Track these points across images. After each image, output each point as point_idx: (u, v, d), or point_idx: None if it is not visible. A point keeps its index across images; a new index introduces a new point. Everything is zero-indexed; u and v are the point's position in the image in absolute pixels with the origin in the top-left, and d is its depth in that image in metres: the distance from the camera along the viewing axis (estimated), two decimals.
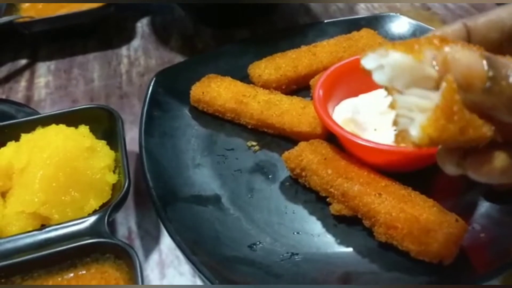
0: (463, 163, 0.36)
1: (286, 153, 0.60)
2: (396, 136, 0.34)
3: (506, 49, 0.37)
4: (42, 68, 0.88)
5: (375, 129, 0.57)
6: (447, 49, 0.32)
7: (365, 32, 0.77)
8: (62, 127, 0.59)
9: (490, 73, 0.31)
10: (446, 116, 0.31)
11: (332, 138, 0.61)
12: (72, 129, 0.59)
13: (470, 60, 0.32)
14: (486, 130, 0.33)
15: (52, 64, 0.89)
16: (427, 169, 0.57)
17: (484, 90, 0.31)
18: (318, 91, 0.61)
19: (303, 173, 0.58)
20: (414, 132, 0.32)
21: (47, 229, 0.49)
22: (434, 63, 0.32)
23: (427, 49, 0.32)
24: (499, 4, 0.40)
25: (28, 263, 0.47)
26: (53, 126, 0.59)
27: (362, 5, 0.97)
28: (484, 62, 0.32)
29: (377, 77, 0.34)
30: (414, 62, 0.32)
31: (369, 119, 0.59)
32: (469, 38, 0.38)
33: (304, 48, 0.75)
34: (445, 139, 0.31)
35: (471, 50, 0.32)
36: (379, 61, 0.34)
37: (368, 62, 0.35)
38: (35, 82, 0.85)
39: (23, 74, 0.87)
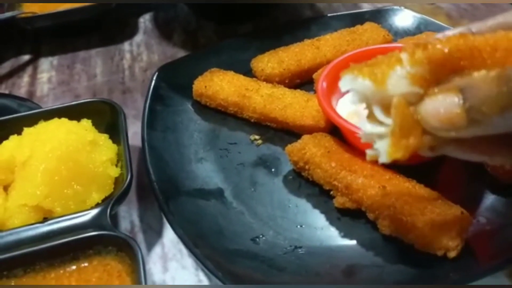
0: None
1: (289, 146, 0.59)
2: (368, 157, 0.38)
3: None
4: (45, 63, 0.88)
5: None
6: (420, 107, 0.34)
7: (368, 26, 0.76)
8: (64, 120, 0.59)
9: (467, 105, 0.32)
10: (403, 135, 0.34)
11: (336, 131, 0.61)
12: (74, 122, 0.59)
13: (442, 104, 0.33)
14: None
15: (54, 60, 0.88)
16: (431, 162, 0.57)
17: (469, 123, 0.32)
18: (321, 84, 0.60)
19: (307, 166, 0.57)
20: (384, 160, 0.36)
21: (49, 221, 0.49)
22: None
23: (390, 77, 0.34)
24: None
25: (30, 256, 0.46)
26: (55, 119, 0.59)
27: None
28: (457, 98, 0.32)
29: (351, 99, 0.38)
30: (377, 90, 0.35)
31: None
32: None
33: (307, 41, 0.75)
34: (412, 151, 0.35)
35: (442, 94, 0.33)
36: (351, 85, 0.37)
37: (343, 84, 0.38)
38: (37, 78, 0.85)
39: (25, 69, 0.87)
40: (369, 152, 0.38)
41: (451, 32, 0.40)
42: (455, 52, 0.33)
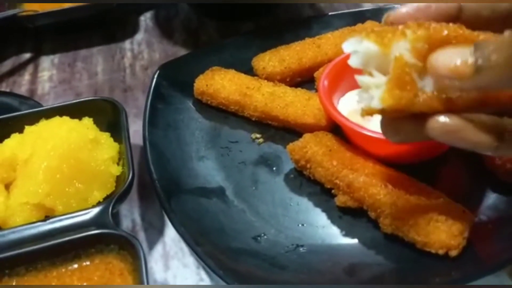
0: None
1: (290, 145, 0.59)
2: (362, 111, 0.39)
3: (498, 27, 0.38)
4: (46, 61, 0.88)
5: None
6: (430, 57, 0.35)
7: (370, 24, 0.76)
8: (65, 119, 0.59)
9: (478, 53, 0.32)
10: (398, 86, 0.35)
11: (337, 130, 0.61)
12: (75, 121, 0.59)
13: (454, 52, 0.34)
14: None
15: (55, 58, 0.88)
16: (433, 160, 0.57)
17: (476, 70, 0.32)
18: (323, 82, 0.60)
19: (308, 165, 0.57)
20: (376, 104, 0.37)
21: (51, 220, 0.49)
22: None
23: (396, 43, 0.36)
24: None
25: (33, 254, 0.46)
26: (57, 118, 0.59)
27: None
28: (469, 49, 0.33)
29: (352, 61, 0.39)
30: (382, 53, 0.37)
31: None
32: (460, 13, 0.40)
33: (308, 40, 0.75)
34: (403, 106, 0.36)
35: (455, 46, 0.35)
36: (355, 47, 0.38)
37: (347, 46, 0.39)
38: (38, 76, 0.85)
39: (26, 67, 0.87)
40: (363, 105, 0.39)
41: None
42: (452, 38, 0.36)
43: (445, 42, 0.36)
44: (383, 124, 0.40)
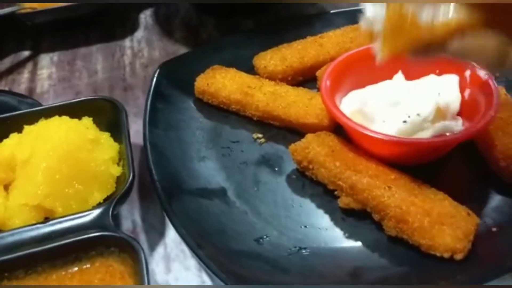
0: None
1: (292, 145, 0.59)
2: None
3: None
4: (45, 59, 0.87)
5: (383, 121, 0.56)
6: None
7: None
8: (65, 118, 0.59)
9: None
10: (392, 32, 0.39)
11: (340, 130, 0.60)
12: (75, 120, 0.59)
13: None
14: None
15: (55, 56, 0.88)
16: (437, 161, 0.57)
17: None
18: (325, 82, 0.60)
19: (310, 166, 0.57)
20: (379, 56, 0.41)
21: (51, 222, 0.49)
22: None
23: None
24: None
25: (32, 257, 0.46)
26: (56, 117, 0.59)
27: None
28: None
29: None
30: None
31: (377, 111, 0.57)
32: None
33: (310, 39, 0.74)
34: (405, 49, 0.39)
35: None
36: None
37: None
38: (38, 74, 0.84)
39: (25, 65, 0.86)
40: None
41: None
42: None
43: None
44: None
